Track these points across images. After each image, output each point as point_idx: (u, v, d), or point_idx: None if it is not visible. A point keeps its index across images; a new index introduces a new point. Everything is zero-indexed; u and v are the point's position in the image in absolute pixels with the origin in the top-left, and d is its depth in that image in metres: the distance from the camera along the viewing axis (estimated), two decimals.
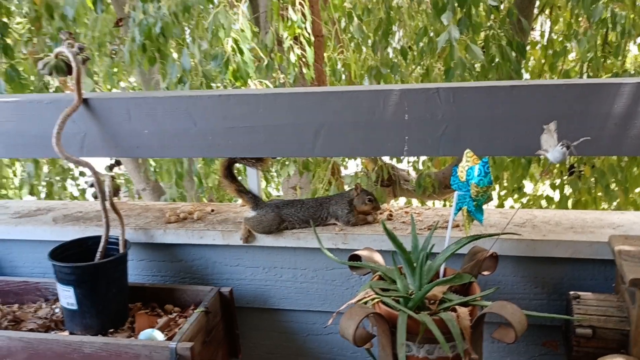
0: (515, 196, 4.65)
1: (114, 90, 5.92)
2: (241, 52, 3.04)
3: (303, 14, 3.37)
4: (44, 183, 5.38)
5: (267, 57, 3.49)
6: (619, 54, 3.37)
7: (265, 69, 3.41)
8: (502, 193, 4.65)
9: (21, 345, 1.51)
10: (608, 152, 1.52)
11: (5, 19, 3.49)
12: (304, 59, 3.50)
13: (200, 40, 3.57)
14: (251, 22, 3.19)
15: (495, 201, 4.60)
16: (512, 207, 4.83)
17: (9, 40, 3.51)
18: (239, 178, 1.81)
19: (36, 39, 3.76)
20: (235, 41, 3.03)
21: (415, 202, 5.16)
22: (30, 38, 3.84)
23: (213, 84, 3.52)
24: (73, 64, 1.61)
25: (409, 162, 5.13)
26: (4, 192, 5.24)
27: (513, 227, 1.67)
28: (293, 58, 3.43)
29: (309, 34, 3.44)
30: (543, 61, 4.37)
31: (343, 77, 4.34)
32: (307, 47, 3.41)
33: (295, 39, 3.43)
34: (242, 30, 3.07)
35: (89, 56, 1.66)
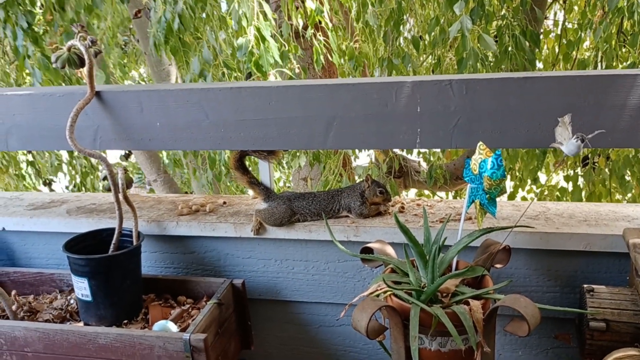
0: (528, 188, 4.62)
1: (125, 81, 5.96)
2: (264, 40, 3.02)
3: (320, 1, 3.35)
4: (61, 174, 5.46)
5: (288, 45, 3.48)
6: (635, 44, 3.33)
7: (281, 58, 3.41)
8: (512, 184, 4.63)
9: (37, 335, 1.54)
10: (623, 144, 1.50)
11: (30, 8, 3.51)
12: (327, 46, 3.49)
13: (219, 30, 3.58)
14: (263, 12, 3.17)
15: (508, 193, 4.57)
16: (524, 198, 4.80)
17: (36, 29, 3.54)
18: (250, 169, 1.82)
19: (50, 30, 3.79)
20: (258, 29, 3.02)
21: (426, 194, 5.15)
22: (46, 30, 3.86)
23: (234, 74, 3.52)
24: (85, 57, 1.62)
25: (419, 153, 5.12)
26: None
27: (526, 219, 1.66)
28: (316, 45, 3.42)
29: (329, 21, 3.43)
30: (557, 50, 4.33)
31: (355, 66, 4.32)
32: (329, 34, 3.40)
33: (315, 27, 3.42)
34: (266, 19, 3.05)
35: (101, 49, 1.66)
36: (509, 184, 4.62)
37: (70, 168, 5.45)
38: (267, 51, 3.00)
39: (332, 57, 3.52)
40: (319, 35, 3.45)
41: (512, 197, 4.46)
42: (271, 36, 3.11)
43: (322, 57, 3.47)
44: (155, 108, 1.69)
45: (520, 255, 1.63)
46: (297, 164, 4.11)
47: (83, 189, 5.47)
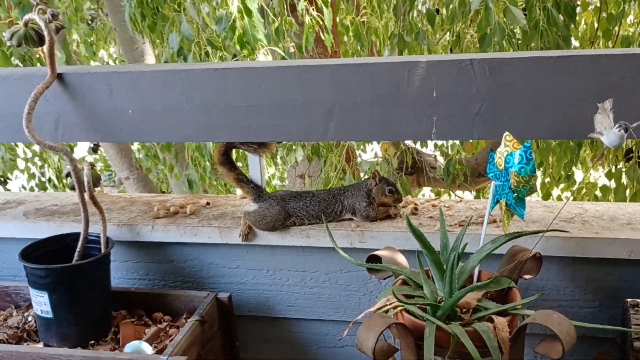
0: (562, 185, 4.62)
1: (92, 63, 5.95)
2: (249, 13, 3.00)
3: None
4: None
5: (281, 19, 3.47)
6: None
7: (275, 34, 3.40)
8: (541, 181, 4.62)
9: None
10: None
11: None
12: (321, 22, 3.48)
13: (202, 2, 3.56)
14: None
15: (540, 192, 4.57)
16: (559, 197, 4.80)
17: None
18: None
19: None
20: (242, 1, 3.00)
21: (443, 192, 5.15)
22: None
23: (220, 54, 3.51)
24: (45, 34, 1.61)
25: (436, 146, 5.12)
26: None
27: (560, 222, 1.66)
28: (308, 21, 3.41)
29: None
30: (596, 26, 4.32)
31: (361, 45, 4.32)
32: (324, 9, 3.38)
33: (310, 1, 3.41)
34: None
35: (64, 24, 1.66)
36: (540, 184, 4.62)
37: (42, 162, 5.46)
38: (253, 26, 2.98)
39: (324, 35, 3.51)
40: (312, 10, 3.44)
41: (546, 196, 4.46)
42: (259, 9, 3.10)
43: (322, 34, 3.46)
44: (127, 93, 1.69)
45: (553, 264, 1.63)
46: (293, 159, 4.10)
47: (60, 185, 5.47)
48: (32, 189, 5.66)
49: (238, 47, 3.02)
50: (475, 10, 3.11)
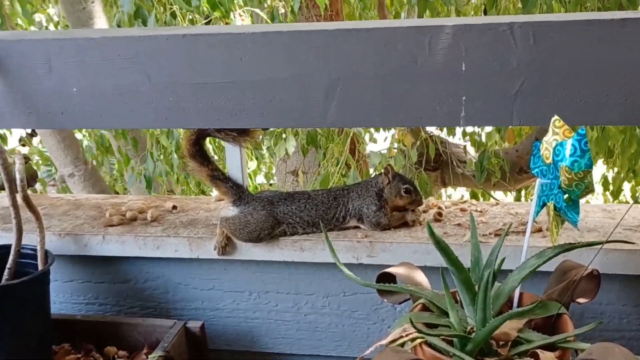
0: (627, 184, 4.63)
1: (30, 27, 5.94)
2: None
3: None
4: None
5: None
6: None
7: None
8: (600, 178, 4.63)
9: None
10: None
11: None
12: None
13: None
14: None
15: (598, 194, 4.57)
16: (634, 195, 4.81)
17: None
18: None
19: None
20: None
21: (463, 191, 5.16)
22: None
23: (190, 16, 3.51)
24: None
25: (465, 134, 5.13)
26: None
27: (623, 231, 1.66)
28: None
29: None
30: None
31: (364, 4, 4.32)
32: None
33: None
34: None
35: None
36: (598, 181, 4.63)
37: None
38: None
39: None
40: None
41: (616, 194, 4.46)
42: None
43: None
44: (71, 66, 1.69)
45: (615, 284, 1.63)
46: (283, 150, 4.10)
47: None
48: None
49: (209, 8, 3.02)
50: None
